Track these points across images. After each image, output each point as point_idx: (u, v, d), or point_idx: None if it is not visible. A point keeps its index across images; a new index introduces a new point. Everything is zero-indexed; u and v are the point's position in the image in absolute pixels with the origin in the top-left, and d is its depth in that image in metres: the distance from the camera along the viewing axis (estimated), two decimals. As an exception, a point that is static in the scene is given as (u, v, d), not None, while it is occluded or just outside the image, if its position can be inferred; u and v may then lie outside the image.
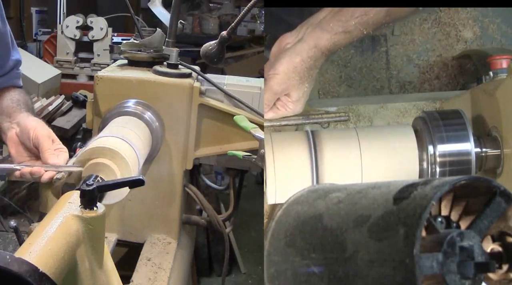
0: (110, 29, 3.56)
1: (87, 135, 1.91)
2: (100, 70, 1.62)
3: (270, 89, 1.11)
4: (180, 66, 1.51)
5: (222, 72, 3.90)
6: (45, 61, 3.58)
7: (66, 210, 0.79)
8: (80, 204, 0.80)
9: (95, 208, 0.80)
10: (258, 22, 5.52)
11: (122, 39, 3.18)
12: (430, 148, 1.13)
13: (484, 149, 1.15)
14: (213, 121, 1.50)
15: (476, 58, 1.63)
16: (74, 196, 0.83)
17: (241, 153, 1.24)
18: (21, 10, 4.22)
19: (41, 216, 1.22)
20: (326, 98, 1.71)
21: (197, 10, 5.98)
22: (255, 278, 2.85)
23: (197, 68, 1.57)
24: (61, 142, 1.20)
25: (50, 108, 2.35)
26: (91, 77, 3.46)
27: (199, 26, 5.79)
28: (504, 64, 1.21)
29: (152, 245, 1.53)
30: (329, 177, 1.13)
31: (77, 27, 3.55)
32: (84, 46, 3.67)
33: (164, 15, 1.62)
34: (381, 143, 1.15)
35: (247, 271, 2.90)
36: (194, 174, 1.74)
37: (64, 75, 3.39)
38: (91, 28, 3.55)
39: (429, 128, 1.14)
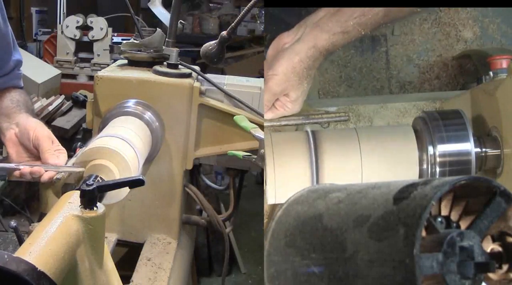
0: (110, 29, 3.56)
1: (87, 135, 1.91)
2: (100, 70, 1.62)
3: (269, 90, 1.11)
4: (180, 66, 1.51)
5: (222, 72, 3.90)
6: (45, 61, 3.58)
7: (66, 210, 0.79)
8: (80, 204, 0.80)
9: (95, 208, 0.80)
10: (258, 22, 5.51)
11: (122, 39, 3.18)
12: (430, 148, 1.13)
13: (484, 149, 1.15)
14: (213, 121, 1.50)
15: (476, 58, 1.63)
16: (74, 196, 0.83)
17: (241, 153, 1.24)
18: (21, 10, 4.22)
19: (41, 216, 1.22)
20: (326, 98, 1.72)
21: (197, 10, 5.98)
22: (255, 278, 2.86)
23: (197, 68, 1.57)
24: (60, 144, 1.20)
25: (50, 108, 2.35)
26: (91, 77, 3.46)
27: (199, 26, 5.79)
28: (504, 64, 1.21)
29: (152, 245, 1.53)
30: (329, 177, 1.13)
31: (77, 27, 3.55)
32: (84, 46, 3.67)
33: (164, 15, 1.62)
34: (381, 143, 1.15)
35: (247, 271, 2.90)
36: (194, 174, 1.74)
37: (64, 75, 3.39)
38: (91, 28, 3.55)
39: (429, 128, 1.14)
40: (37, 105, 2.31)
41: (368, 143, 1.14)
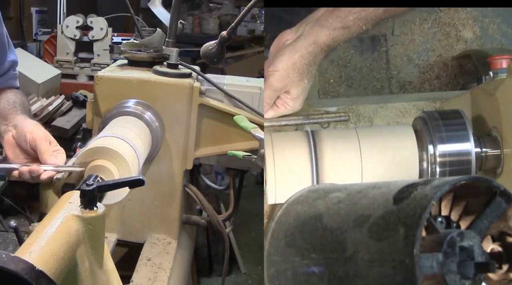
0: (110, 29, 3.56)
1: (87, 135, 1.91)
2: (100, 70, 1.61)
3: (270, 86, 1.11)
4: (180, 66, 1.51)
5: (222, 72, 3.90)
6: (45, 61, 3.57)
7: (66, 210, 0.79)
8: (80, 204, 0.80)
9: (95, 208, 0.80)
10: (258, 22, 5.51)
11: (122, 39, 3.18)
12: (430, 148, 1.13)
13: (484, 149, 1.15)
14: (213, 121, 1.50)
15: (476, 58, 1.63)
16: (74, 196, 0.83)
17: (241, 153, 1.24)
18: (21, 10, 4.22)
19: (41, 216, 1.22)
20: (326, 98, 1.71)
21: (197, 10, 5.98)
22: (255, 278, 2.86)
23: (197, 68, 1.57)
24: (58, 144, 1.20)
25: (50, 108, 2.35)
26: (91, 77, 3.46)
27: (199, 26, 5.79)
28: (504, 64, 1.21)
29: (152, 245, 1.53)
30: (329, 177, 1.13)
31: (77, 27, 3.54)
32: (84, 46, 3.67)
33: (164, 15, 1.62)
34: (381, 143, 1.15)
35: (247, 271, 2.90)
36: (194, 174, 1.74)
37: (64, 75, 3.39)
38: (91, 28, 3.55)
39: (429, 128, 1.14)
40: (37, 105, 2.31)
41: (368, 143, 1.14)
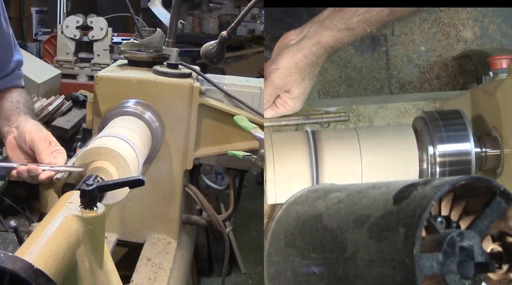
0: (110, 29, 3.56)
1: (87, 135, 1.91)
2: (100, 70, 1.62)
3: (271, 84, 1.11)
4: (180, 66, 1.51)
5: (222, 72, 3.90)
6: (45, 61, 3.57)
7: (66, 210, 0.79)
8: (80, 204, 0.80)
9: (95, 208, 0.80)
10: (258, 22, 5.52)
11: (122, 39, 3.18)
12: (430, 148, 1.13)
13: (484, 149, 1.15)
14: (213, 121, 1.50)
15: (476, 58, 1.63)
16: (74, 196, 0.83)
17: (241, 153, 1.24)
18: (21, 10, 4.22)
19: (41, 216, 1.22)
20: (326, 98, 1.71)
21: (197, 10, 5.98)
22: (255, 278, 2.86)
23: (197, 68, 1.57)
24: (59, 144, 1.21)
25: (50, 108, 2.34)
26: (91, 77, 3.46)
27: (199, 26, 5.80)
28: (504, 64, 1.21)
29: (152, 245, 1.53)
30: (329, 177, 1.13)
31: (77, 27, 3.54)
32: (84, 46, 3.67)
33: (164, 15, 1.62)
34: (381, 143, 1.15)
35: (247, 271, 2.90)
36: (194, 174, 1.74)
37: (64, 75, 3.39)
38: (91, 28, 3.55)
39: (429, 128, 1.14)
40: (37, 105, 2.31)
41: (368, 143, 1.14)
